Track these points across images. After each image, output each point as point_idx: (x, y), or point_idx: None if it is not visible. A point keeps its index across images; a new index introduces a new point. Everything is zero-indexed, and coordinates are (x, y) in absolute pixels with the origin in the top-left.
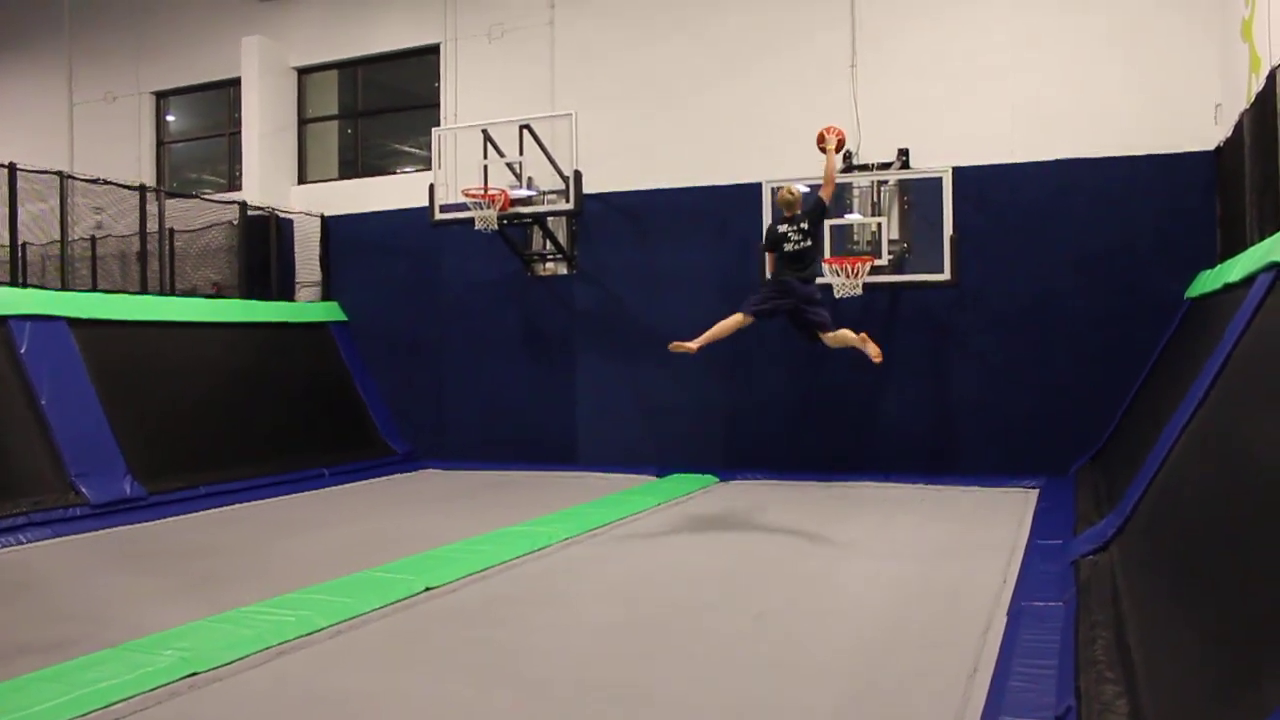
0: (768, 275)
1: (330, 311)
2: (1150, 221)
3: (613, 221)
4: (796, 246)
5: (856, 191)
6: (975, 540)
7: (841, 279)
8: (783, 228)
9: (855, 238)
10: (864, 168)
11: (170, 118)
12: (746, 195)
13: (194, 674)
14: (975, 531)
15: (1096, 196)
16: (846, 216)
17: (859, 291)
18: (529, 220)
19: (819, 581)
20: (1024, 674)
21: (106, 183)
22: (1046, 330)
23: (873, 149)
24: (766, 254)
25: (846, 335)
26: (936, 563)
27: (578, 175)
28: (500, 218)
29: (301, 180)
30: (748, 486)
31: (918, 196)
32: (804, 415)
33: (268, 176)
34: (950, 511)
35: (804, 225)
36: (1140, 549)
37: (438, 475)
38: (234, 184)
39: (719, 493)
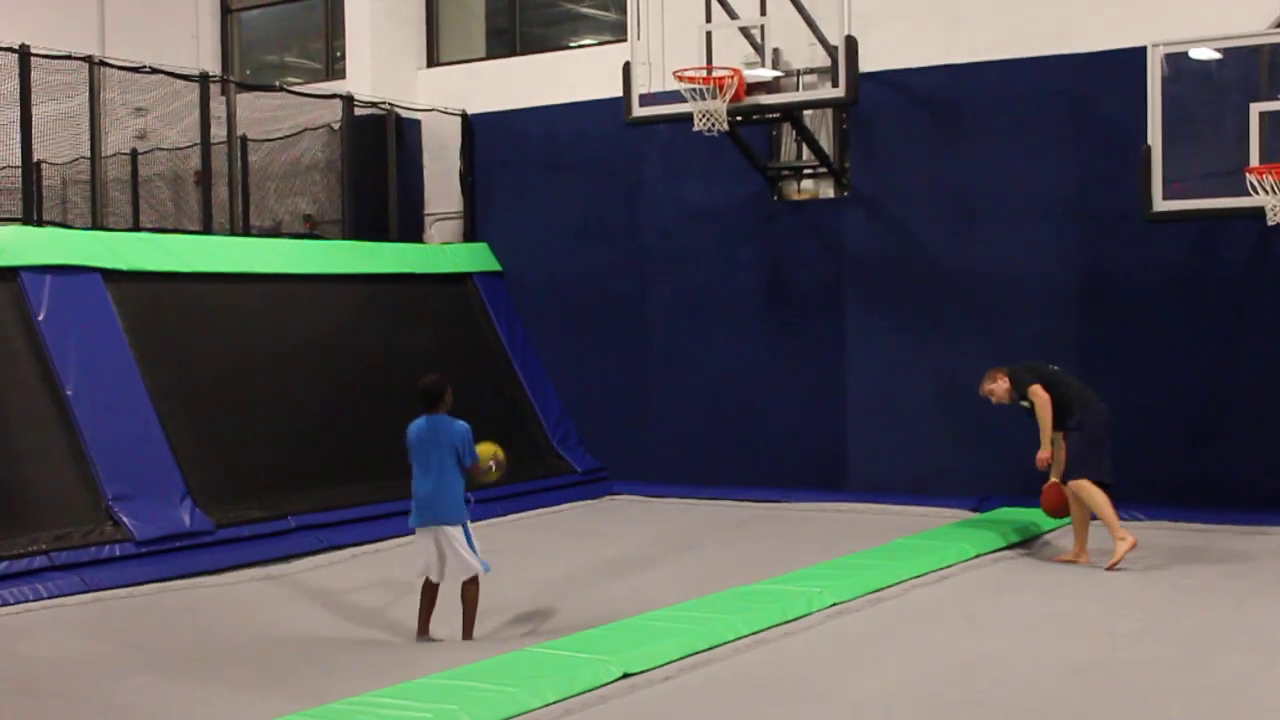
0: (1155, 206)
1: (476, 257)
2: None
3: (905, 115)
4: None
5: None
6: None
7: (1278, 199)
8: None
9: None
10: None
11: None
12: (1118, 67)
13: None
14: None
15: None
16: None
17: None
18: (775, 115)
19: (1237, 696)
20: None
21: (153, 70)
22: None
23: None
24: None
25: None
26: None
27: (851, 44)
28: (732, 111)
29: (432, 62)
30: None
31: None
32: (1209, 422)
33: (383, 57)
34: None
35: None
36: None
37: (636, 504)
38: (333, 70)
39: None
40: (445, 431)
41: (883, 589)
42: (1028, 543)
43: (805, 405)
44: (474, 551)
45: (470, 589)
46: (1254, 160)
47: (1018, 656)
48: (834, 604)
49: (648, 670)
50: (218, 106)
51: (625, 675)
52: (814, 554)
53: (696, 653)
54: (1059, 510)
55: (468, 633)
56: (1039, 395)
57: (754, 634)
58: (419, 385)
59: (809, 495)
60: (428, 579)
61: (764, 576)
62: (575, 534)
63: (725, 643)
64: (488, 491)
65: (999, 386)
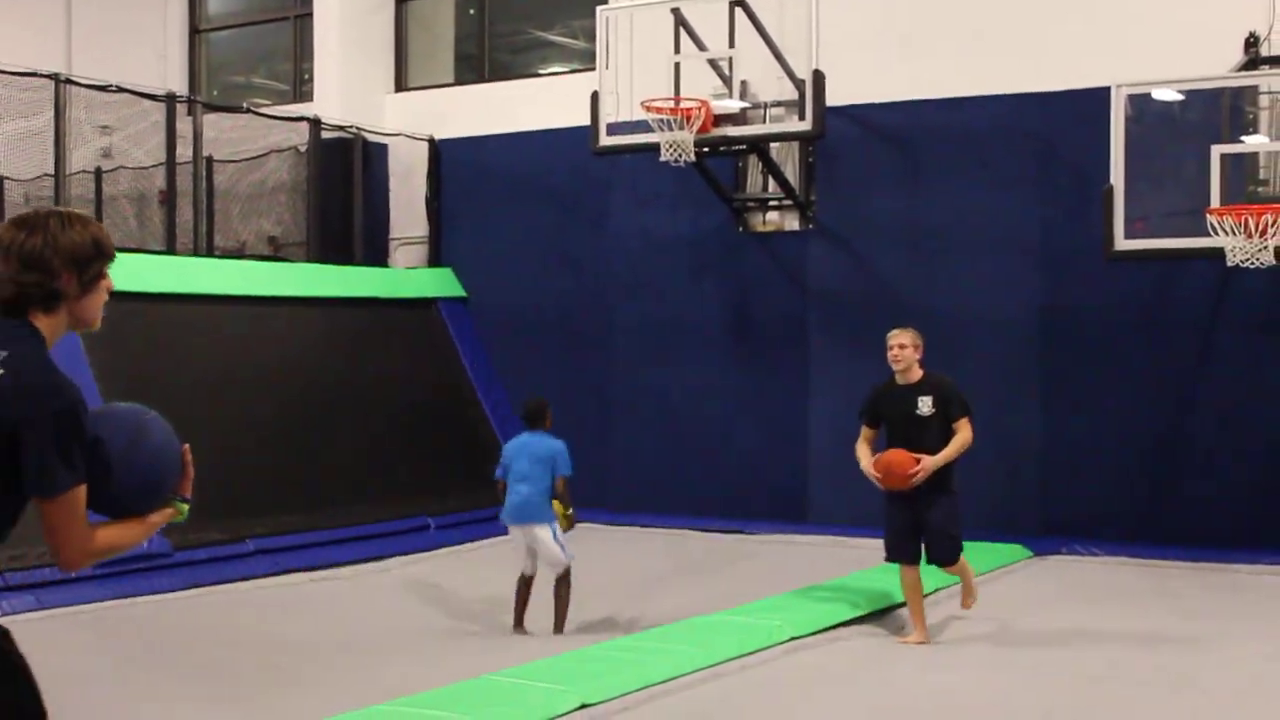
0: (1116, 245)
1: (441, 282)
2: None
3: (870, 150)
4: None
5: (1266, 102)
6: None
7: (1238, 240)
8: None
9: (1263, 174)
10: (1278, 61)
11: None
12: (1082, 106)
13: None
14: None
15: None
16: (1247, 140)
17: (1270, 259)
18: (742, 147)
19: None
20: None
21: (120, 89)
22: None
23: None
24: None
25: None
26: None
27: (818, 78)
28: (699, 143)
29: (400, 87)
30: (1077, 565)
31: None
32: (1167, 461)
33: (351, 80)
34: None
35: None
36: None
37: (598, 533)
38: (301, 92)
39: (1031, 574)
40: (545, 445)
41: (842, 623)
42: (985, 579)
43: (767, 437)
44: (561, 547)
45: (561, 587)
46: (1214, 201)
47: (978, 696)
48: (793, 638)
49: (605, 701)
50: (184, 126)
51: (583, 705)
52: (773, 586)
53: (654, 684)
54: (900, 479)
55: (559, 627)
56: (968, 433)
57: (712, 666)
58: (524, 406)
59: (770, 527)
60: (522, 574)
61: (723, 608)
62: None
63: (683, 675)
64: (447, 517)
65: (912, 357)
